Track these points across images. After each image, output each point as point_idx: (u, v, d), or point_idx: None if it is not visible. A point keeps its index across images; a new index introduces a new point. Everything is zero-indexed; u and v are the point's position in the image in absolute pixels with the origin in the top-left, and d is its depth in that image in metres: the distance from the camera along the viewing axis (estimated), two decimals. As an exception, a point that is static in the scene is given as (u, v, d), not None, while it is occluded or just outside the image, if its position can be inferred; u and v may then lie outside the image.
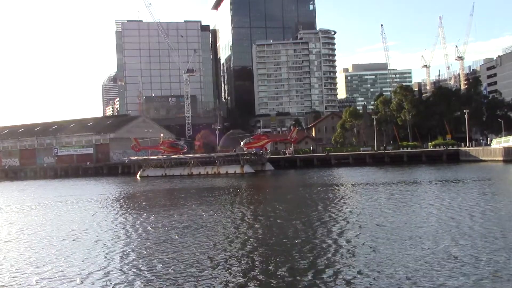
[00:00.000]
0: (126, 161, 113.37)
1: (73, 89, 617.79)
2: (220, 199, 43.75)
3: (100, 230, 28.40)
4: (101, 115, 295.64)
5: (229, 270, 17.59)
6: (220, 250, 21.08)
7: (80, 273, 18.19)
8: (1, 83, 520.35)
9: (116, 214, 36.01)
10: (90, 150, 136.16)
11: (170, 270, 17.94)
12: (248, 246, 21.60)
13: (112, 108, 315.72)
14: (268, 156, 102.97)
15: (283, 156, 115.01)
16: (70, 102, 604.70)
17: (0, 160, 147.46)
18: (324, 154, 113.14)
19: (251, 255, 19.92)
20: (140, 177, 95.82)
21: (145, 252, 21.43)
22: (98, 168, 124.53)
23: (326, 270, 16.98)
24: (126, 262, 19.76)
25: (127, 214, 35.47)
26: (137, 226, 29.16)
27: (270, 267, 17.75)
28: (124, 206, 42.81)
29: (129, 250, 22.17)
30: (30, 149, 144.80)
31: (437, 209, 30.17)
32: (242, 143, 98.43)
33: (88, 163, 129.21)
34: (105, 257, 20.86)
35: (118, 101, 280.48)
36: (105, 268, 18.86)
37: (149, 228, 28.17)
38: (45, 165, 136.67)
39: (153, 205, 41.77)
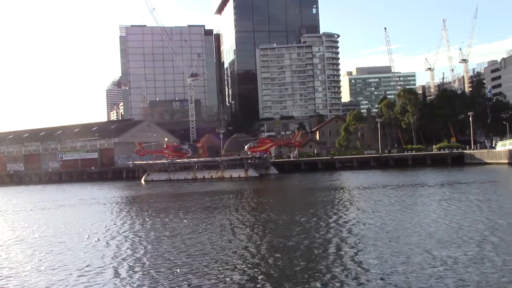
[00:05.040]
0: (131, 166, 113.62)
1: (78, 94, 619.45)
2: (227, 204, 43.64)
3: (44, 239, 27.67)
4: (105, 119, 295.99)
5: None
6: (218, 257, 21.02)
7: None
8: (5, 87, 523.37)
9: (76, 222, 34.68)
10: (95, 155, 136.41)
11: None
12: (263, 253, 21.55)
13: (117, 112, 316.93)
14: (272, 160, 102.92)
15: (287, 159, 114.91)
16: (74, 107, 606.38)
17: (5, 165, 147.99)
18: (329, 157, 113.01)
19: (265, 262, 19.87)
20: (144, 181, 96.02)
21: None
22: (103, 172, 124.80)
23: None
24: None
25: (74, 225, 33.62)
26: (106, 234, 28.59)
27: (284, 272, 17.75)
28: (90, 213, 41.19)
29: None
30: (35, 154, 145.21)
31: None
32: (246, 147, 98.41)
33: (92, 168, 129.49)
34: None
35: (122, 105, 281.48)
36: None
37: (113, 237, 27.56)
38: (49, 170, 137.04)
39: (143, 210, 41.28)
